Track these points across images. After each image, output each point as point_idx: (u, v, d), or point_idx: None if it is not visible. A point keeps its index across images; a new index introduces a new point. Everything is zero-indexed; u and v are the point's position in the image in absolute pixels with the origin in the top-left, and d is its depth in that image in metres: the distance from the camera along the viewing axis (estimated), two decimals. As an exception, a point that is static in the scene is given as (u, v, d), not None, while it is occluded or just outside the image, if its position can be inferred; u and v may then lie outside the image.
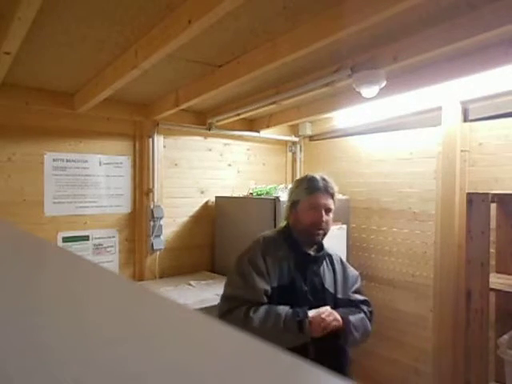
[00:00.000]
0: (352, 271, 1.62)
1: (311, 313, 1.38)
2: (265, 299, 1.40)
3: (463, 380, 2.04)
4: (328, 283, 1.51)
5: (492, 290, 1.90)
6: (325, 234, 1.51)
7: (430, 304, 2.55)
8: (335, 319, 1.39)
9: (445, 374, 2.40)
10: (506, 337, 1.80)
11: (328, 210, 1.49)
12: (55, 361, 0.19)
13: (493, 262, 2.10)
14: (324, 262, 1.55)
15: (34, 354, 0.19)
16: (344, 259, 1.67)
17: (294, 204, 1.54)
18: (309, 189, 1.50)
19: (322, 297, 1.47)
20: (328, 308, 1.42)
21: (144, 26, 1.45)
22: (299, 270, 1.47)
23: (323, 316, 1.37)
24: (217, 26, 1.35)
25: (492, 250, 2.07)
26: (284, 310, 1.37)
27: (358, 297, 1.57)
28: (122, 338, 0.23)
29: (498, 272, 2.12)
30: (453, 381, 2.34)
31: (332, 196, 1.50)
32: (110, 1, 1.27)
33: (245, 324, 1.33)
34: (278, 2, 1.29)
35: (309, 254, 1.52)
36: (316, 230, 1.48)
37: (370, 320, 1.54)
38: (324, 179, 1.51)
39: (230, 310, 1.40)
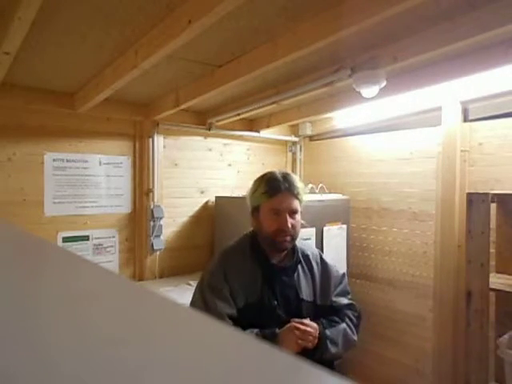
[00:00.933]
0: (334, 271, 1.46)
1: (283, 329, 1.25)
2: (230, 323, 1.25)
3: (463, 380, 2.05)
4: (305, 292, 1.36)
5: (492, 290, 1.91)
6: (293, 239, 1.35)
7: (430, 304, 2.55)
8: (310, 336, 1.24)
9: (445, 374, 2.40)
10: (506, 337, 1.80)
11: (293, 212, 1.32)
12: (55, 361, 0.19)
13: (493, 262, 2.10)
14: (299, 268, 1.39)
15: (34, 353, 0.19)
16: (323, 256, 1.50)
17: (254, 210, 1.37)
18: (268, 191, 1.32)
19: (297, 309, 1.33)
20: (305, 321, 1.26)
21: (144, 26, 1.45)
22: (268, 284, 1.32)
23: (297, 332, 1.22)
24: (217, 25, 1.35)
25: (492, 250, 2.07)
26: (251, 334, 1.22)
27: (342, 300, 1.42)
28: (121, 337, 0.23)
29: (498, 272, 2.13)
30: (453, 381, 2.34)
31: (296, 196, 1.33)
32: (109, 1, 1.27)
33: None
34: (278, 2, 1.29)
35: (277, 266, 1.36)
36: (282, 237, 1.31)
37: (355, 326, 1.40)
38: (286, 177, 1.34)
39: None
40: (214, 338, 0.24)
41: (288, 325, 1.25)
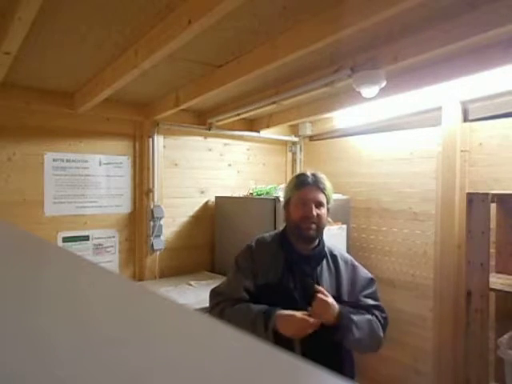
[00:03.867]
0: (363, 274, 1.52)
1: (283, 312, 1.30)
2: (245, 296, 1.41)
3: (463, 380, 2.04)
4: (325, 284, 1.42)
5: (492, 290, 1.90)
6: (318, 229, 1.44)
7: (430, 304, 2.55)
8: (325, 311, 1.29)
9: (445, 374, 2.40)
10: (506, 337, 1.80)
11: (319, 204, 1.44)
12: (55, 360, 0.19)
13: (493, 262, 2.10)
14: (324, 263, 1.47)
15: (34, 353, 0.19)
16: (355, 261, 1.57)
17: (286, 203, 1.52)
18: (297, 184, 1.47)
19: (313, 300, 1.38)
20: (324, 298, 1.31)
21: (144, 26, 1.45)
22: (289, 270, 1.43)
23: (297, 318, 1.28)
24: (217, 26, 1.35)
25: (492, 250, 2.07)
26: (258, 307, 1.35)
27: (370, 301, 1.46)
28: (122, 337, 0.23)
29: (497, 272, 2.12)
30: (453, 381, 2.34)
31: (322, 191, 1.45)
32: (110, 1, 1.27)
33: (220, 318, 1.35)
34: (278, 2, 1.30)
35: (300, 253, 1.46)
36: (307, 224, 1.42)
37: (382, 326, 1.44)
38: (314, 175, 1.48)
39: (213, 306, 1.48)
40: (215, 338, 0.24)
41: (288, 312, 1.30)
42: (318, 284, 1.41)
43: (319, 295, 1.31)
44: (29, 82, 2.16)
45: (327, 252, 1.50)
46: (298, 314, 1.29)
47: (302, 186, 1.45)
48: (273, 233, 1.59)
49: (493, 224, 2.02)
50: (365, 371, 2.78)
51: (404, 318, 2.70)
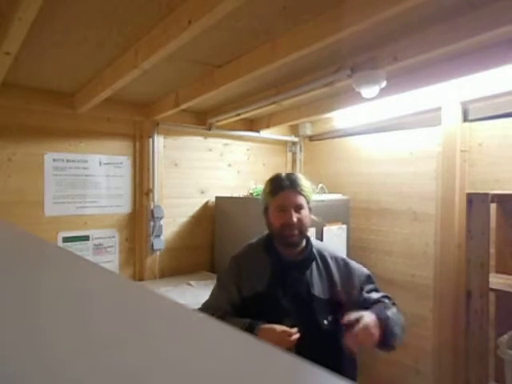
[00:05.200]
0: (359, 271, 1.45)
1: (264, 326, 1.24)
2: (229, 309, 1.37)
3: (463, 380, 2.04)
4: (317, 289, 1.36)
5: (492, 290, 1.90)
6: (301, 233, 1.38)
7: (430, 304, 2.55)
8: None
9: (445, 374, 2.40)
10: (506, 337, 1.80)
11: (298, 208, 1.37)
12: (55, 361, 0.19)
13: (493, 262, 2.10)
14: (313, 266, 1.40)
15: (34, 353, 0.19)
16: (347, 258, 1.51)
17: (265, 210, 1.45)
18: (273, 190, 1.40)
19: (307, 305, 1.34)
20: (362, 327, 1.17)
21: (144, 26, 1.45)
22: (277, 278, 1.37)
23: (276, 332, 1.21)
24: (217, 26, 1.35)
25: (492, 250, 2.07)
26: (241, 322, 1.28)
27: (375, 295, 1.41)
28: (122, 337, 0.23)
29: (497, 272, 2.12)
30: (453, 381, 2.34)
31: (300, 192, 1.38)
32: (110, 1, 1.27)
33: None
34: (278, 2, 1.30)
35: (287, 260, 1.40)
36: (288, 232, 1.36)
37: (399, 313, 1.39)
38: (289, 177, 1.41)
39: None
40: (215, 338, 0.24)
41: (268, 325, 1.24)
42: (310, 289, 1.35)
43: (358, 327, 1.18)
44: (29, 81, 2.16)
45: (316, 253, 1.44)
46: (278, 326, 1.23)
47: (278, 192, 1.39)
48: (257, 239, 1.52)
49: (493, 224, 2.02)
50: (365, 371, 2.78)
51: (404, 318, 2.69)
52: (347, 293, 1.40)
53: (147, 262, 2.74)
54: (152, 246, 2.71)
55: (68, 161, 2.49)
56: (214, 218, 3.04)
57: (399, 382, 2.73)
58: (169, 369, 0.19)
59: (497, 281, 1.97)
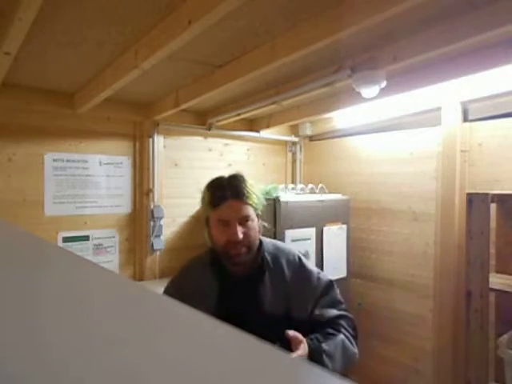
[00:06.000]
0: (315, 279, 1.26)
1: None
2: None
3: (463, 380, 2.04)
4: (270, 305, 1.19)
5: (492, 290, 1.90)
6: (249, 249, 1.19)
7: (430, 304, 2.55)
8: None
9: (445, 374, 2.40)
10: (505, 337, 1.80)
11: (244, 220, 1.17)
12: (55, 361, 0.19)
13: (493, 262, 2.10)
14: (266, 278, 1.22)
15: (34, 353, 0.19)
16: (304, 260, 1.30)
17: (206, 221, 1.25)
18: (213, 201, 1.19)
19: (258, 324, 1.06)
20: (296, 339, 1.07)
21: (144, 26, 1.45)
22: (225, 298, 1.20)
23: None
24: (217, 26, 1.35)
25: (492, 250, 2.07)
26: None
27: (330, 312, 1.22)
28: (122, 337, 0.23)
29: (497, 272, 2.12)
30: (453, 381, 2.34)
31: (245, 201, 1.18)
32: (110, 1, 1.27)
33: None
34: (278, 2, 1.29)
35: (235, 277, 1.23)
36: (234, 250, 1.17)
37: (354, 338, 1.22)
38: (231, 182, 1.19)
39: None
40: (215, 338, 0.24)
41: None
42: (262, 305, 1.19)
43: (293, 340, 1.08)
44: (29, 81, 2.16)
45: (270, 261, 1.25)
46: None
47: (220, 203, 1.17)
48: (201, 255, 1.35)
49: (493, 224, 2.02)
50: (364, 371, 2.79)
51: (404, 318, 2.70)
52: (302, 308, 1.22)
53: (147, 261, 2.74)
54: (152, 246, 2.71)
55: (68, 161, 2.49)
56: (214, 217, 3.04)
57: (399, 381, 2.73)
58: (169, 369, 0.19)
59: (497, 281, 1.97)
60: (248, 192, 1.19)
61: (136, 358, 0.20)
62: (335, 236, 2.73)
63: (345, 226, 2.80)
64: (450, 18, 1.41)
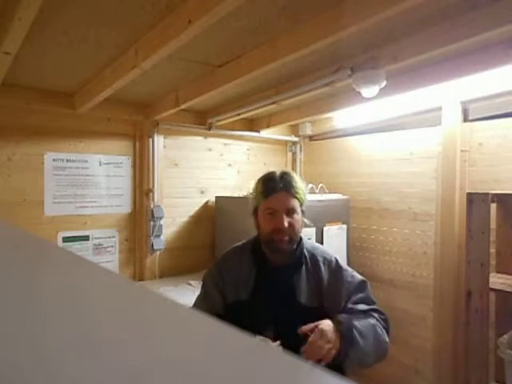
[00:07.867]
0: (350, 278, 1.32)
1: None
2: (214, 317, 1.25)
3: (463, 380, 2.05)
4: (304, 296, 1.26)
5: (492, 289, 1.91)
6: (292, 240, 1.27)
7: (430, 304, 2.55)
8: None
9: (445, 374, 2.40)
10: (506, 337, 1.80)
11: (291, 212, 1.26)
12: (55, 361, 0.19)
13: (493, 262, 2.10)
14: (302, 271, 1.30)
15: (34, 353, 0.19)
16: (342, 261, 1.38)
17: (254, 211, 1.34)
18: (265, 191, 1.28)
19: (291, 312, 1.23)
20: (312, 339, 1.08)
21: (144, 26, 1.45)
22: (262, 285, 1.28)
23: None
24: (217, 26, 1.35)
25: (492, 250, 2.07)
26: None
27: (364, 307, 1.27)
28: (122, 337, 0.23)
29: (498, 272, 2.13)
30: (453, 381, 2.34)
31: (294, 195, 1.27)
32: (110, 1, 1.27)
33: None
34: (278, 2, 1.29)
35: (274, 265, 1.31)
36: (278, 237, 1.25)
37: (386, 330, 1.25)
38: (283, 177, 1.28)
39: None
40: (215, 338, 0.24)
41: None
42: (296, 295, 1.26)
43: (309, 339, 1.09)
44: (29, 82, 2.16)
45: (307, 256, 1.33)
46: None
47: (270, 193, 1.27)
48: (244, 242, 1.43)
49: (493, 224, 2.02)
50: (364, 371, 2.78)
51: (404, 318, 2.70)
52: (335, 302, 1.28)
53: (147, 262, 2.74)
54: (152, 245, 2.71)
55: (68, 161, 2.49)
56: (213, 217, 3.04)
57: (399, 381, 2.73)
58: (169, 369, 0.19)
59: (497, 281, 1.97)
60: (297, 187, 1.28)
61: (136, 358, 0.20)
62: (335, 236, 2.73)
63: (345, 226, 2.80)
64: (450, 18, 1.41)
